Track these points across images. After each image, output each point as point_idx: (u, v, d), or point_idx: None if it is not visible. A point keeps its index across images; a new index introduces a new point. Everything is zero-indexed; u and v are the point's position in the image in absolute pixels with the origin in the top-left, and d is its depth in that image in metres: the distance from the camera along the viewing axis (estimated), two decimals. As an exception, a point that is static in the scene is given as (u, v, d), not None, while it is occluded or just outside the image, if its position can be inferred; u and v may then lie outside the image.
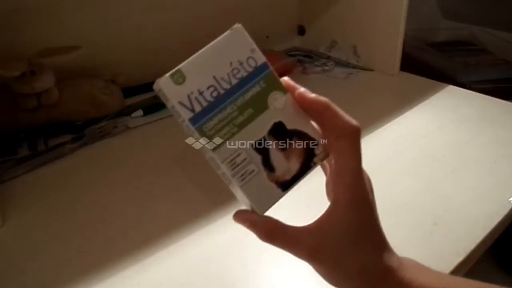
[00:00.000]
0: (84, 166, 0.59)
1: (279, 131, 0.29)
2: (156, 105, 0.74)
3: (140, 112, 0.71)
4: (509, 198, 0.49)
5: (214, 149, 0.28)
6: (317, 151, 0.30)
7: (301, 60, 0.94)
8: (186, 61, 0.28)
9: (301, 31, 1.02)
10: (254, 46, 0.29)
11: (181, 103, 0.27)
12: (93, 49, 0.70)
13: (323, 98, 0.29)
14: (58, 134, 0.65)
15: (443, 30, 1.17)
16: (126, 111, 0.72)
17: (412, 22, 0.85)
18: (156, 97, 0.86)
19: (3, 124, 0.64)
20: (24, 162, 0.58)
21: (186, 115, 0.27)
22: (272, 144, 0.29)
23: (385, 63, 0.85)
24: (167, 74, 0.27)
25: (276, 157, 0.29)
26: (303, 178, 0.30)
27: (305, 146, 0.30)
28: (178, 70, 0.27)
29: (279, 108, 0.29)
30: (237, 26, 0.29)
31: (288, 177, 0.29)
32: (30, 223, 0.48)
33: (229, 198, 0.33)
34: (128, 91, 0.77)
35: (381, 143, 0.62)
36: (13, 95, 0.62)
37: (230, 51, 0.29)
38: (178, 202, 0.50)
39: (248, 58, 0.29)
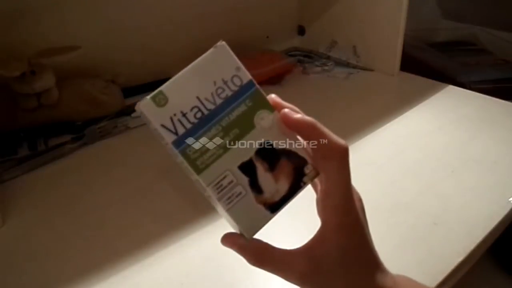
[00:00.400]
0: (84, 166, 0.59)
1: (266, 151, 0.28)
2: (156, 105, 0.74)
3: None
4: (509, 198, 0.49)
5: (199, 172, 0.26)
6: (306, 171, 0.29)
7: (301, 60, 0.94)
8: (168, 81, 0.26)
9: (301, 31, 1.02)
10: (239, 64, 0.28)
11: (163, 126, 0.26)
12: (93, 49, 0.70)
13: (308, 118, 0.27)
14: (58, 134, 0.65)
15: (443, 30, 1.17)
16: (126, 111, 0.72)
17: (412, 22, 0.85)
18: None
19: (3, 124, 0.64)
20: (24, 162, 0.58)
21: (169, 138, 0.26)
22: (259, 165, 0.28)
23: (385, 63, 0.85)
24: (148, 96, 0.26)
25: (264, 178, 0.28)
26: (293, 198, 0.29)
27: (294, 166, 0.29)
28: (160, 92, 0.26)
29: (266, 127, 0.28)
30: (221, 43, 0.28)
31: (277, 198, 0.28)
32: (30, 223, 0.48)
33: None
34: (128, 91, 0.77)
35: (381, 143, 0.62)
36: (13, 95, 0.62)
37: (214, 70, 0.27)
38: (178, 202, 0.50)
39: (233, 77, 0.28)
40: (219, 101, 0.27)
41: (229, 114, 0.27)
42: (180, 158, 0.27)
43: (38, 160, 0.59)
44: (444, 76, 0.87)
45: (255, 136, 0.28)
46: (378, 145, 0.61)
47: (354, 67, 0.90)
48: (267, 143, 0.28)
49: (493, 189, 0.51)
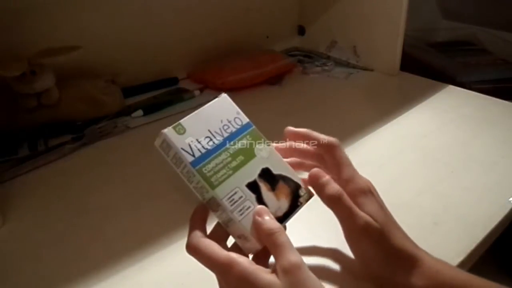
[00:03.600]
0: (84, 166, 0.59)
1: (267, 174, 0.34)
2: (156, 105, 0.74)
3: (140, 112, 0.71)
4: (509, 198, 0.49)
5: (214, 188, 0.32)
6: (301, 193, 0.35)
7: (301, 60, 0.94)
8: (185, 118, 0.33)
9: (301, 31, 1.02)
10: (238, 109, 0.36)
11: (183, 149, 0.32)
12: (93, 49, 0.70)
13: (301, 130, 0.37)
14: (58, 134, 0.65)
15: (443, 30, 1.17)
16: (126, 111, 0.72)
17: (412, 22, 0.85)
18: (156, 97, 0.86)
19: (3, 124, 0.64)
20: (24, 162, 0.58)
21: (187, 159, 0.32)
22: (263, 185, 0.34)
23: (385, 63, 0.85)
24: (170, 127, 0.32)
25: (267, 196, 0.33)
26: (294, 215, 0.34)
27: (290, 188, 0.35)
28: (179, 123, 0.32)
29: (265, 157, 0.35)
30: (223, 95, 0.36)
31: (279, 214, 0.33)
32: (30, 223, 0.48)
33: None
34: (128, 91, 0.77)
35: (381, 143, 0.62)
36: (13, 95, 0.62)
37: (220, 112, 0.35)
38: (178, 202, 0.50)
39: (235, 118, 0.35)
40: (226, 134, 0.34)
41: (234, 144, 0.34)
42: (197, 177, 0.32)
43: (38, 160, 0.59)
44: (444, 76, 0.87)
45: (257, 163, 0.34)
46: (378, 145, 0.61)
47: (354, 67, 0.90)
48: (267, 169, 0.34)
49: (493, 189, 0.51)
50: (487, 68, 0.95)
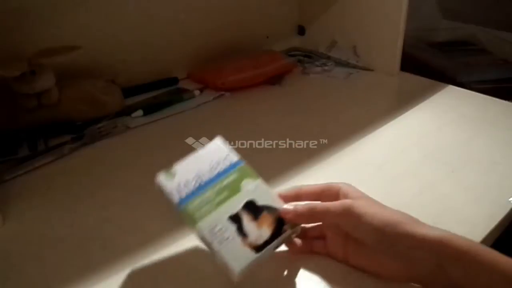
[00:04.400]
0: (84, 166, 0.59)
1: (251, 206, 0.37)
2: (156, 105, 0.74)
3: (140, 112, 0.71)
4: (509, 198, 0.49)
5: (196, 223, 0.36)
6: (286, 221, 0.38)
7: (301, 60, 0.94)
8: (179, 162, 0.38)
9: (301, 31, 1.02)
10: (230, 149, 0.39)
11: (172, 191, 0.37)
12: (93, 49, 0.70)
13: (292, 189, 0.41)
14: (58, 134, 0.65)
15: (443, 30, 1.17)
16: (126, 111, 0.72)
17: (412, 22, 0.85)
18: (156, 97, 0.86)
19: (3, 124, 0.64)
20: (24, 162, 0.58)
21: (175, 199, 0.37)
22: (245, 216, 0.36)
23: (385, 63, 0.85)
24: (163, 171, 0.38)
25: (249, 226, 0.36)
26: (276, 241, 0.36)
27: (274, 217, 0.37)
28: (171, 168, 0.38)
29: (250, 190, 0.37)
30: (216, 138, 0.40)
31: (260, 241, 0.36)
32: (30, 223, 0.48)
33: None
34: (128, 91, 0.77)
35: (381, 143, 0.62)
36: (13, 95, 0.62)
37: (211, 154, 0.39)
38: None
39: (225, 159, 0.39)
40: (214, 173, 0.38)
41: (221, 182, 0.37)
42: (183, 213, 0.36)
43: (38, 160, 0.59)
44: (444, 76, 0.87)
45: (241, 197, 0.37)
46: (378, 145, 0.61)
47: (354, 67, 0.90)
48: (251, 201, 0.37)
49: (493, 189, 0.51)
50: (487, 68, 0.95)
